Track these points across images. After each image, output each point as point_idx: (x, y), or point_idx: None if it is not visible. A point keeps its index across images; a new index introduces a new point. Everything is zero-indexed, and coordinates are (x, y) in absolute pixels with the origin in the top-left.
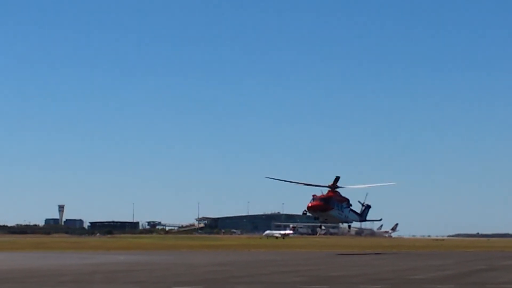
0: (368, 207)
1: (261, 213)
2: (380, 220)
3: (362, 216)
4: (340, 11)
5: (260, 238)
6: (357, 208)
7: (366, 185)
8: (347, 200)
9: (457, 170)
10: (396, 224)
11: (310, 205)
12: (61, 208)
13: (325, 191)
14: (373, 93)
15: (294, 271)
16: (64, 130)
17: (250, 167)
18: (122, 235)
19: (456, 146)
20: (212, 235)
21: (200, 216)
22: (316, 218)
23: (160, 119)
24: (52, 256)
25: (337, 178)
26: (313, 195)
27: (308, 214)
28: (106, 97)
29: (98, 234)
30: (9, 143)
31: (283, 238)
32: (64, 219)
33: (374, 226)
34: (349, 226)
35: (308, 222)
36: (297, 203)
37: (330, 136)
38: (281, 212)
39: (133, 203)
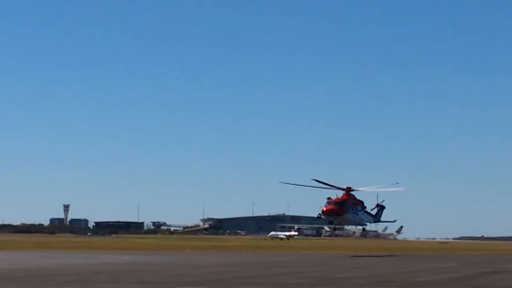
0: (382, 207)
1: (266, 214)
2: (395, 221)
3: (376, 217)
4: (341, 11)
5: (265, 239)
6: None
7: (380, 189)
8: (362, 203)
9: (462, 173)
10: (401, 227)
11: (325, 209)
12: (66, 207)
13: (339, 194)
14: (377, 97)
15: (298, 272)
16: (69, 130)
17: (256, 168)
18: (127, 235)
19: (461, 149)
20: (217, 236)
21: (205, 217)
22: (331, 222)
23: (165, 120)
24: (57, 256)
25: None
26: (328, 198)
27: (323, 217)
28: (112, 98)
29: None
30: (14, 142)
31: (288, 239)
32: (69, 219)
33: (379, 228)
34: (364, 229)
35: (313, 223)
36: (302, 204)
37: (337, 138)
38: (286, 214)
39: (138, 204)
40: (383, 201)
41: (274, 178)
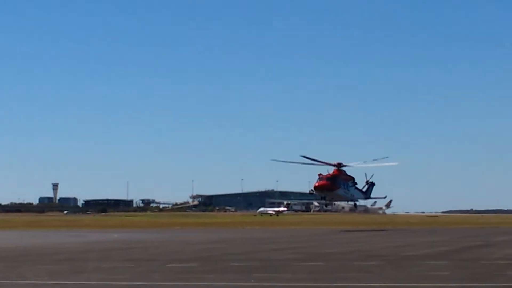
0: (372, 184)
1: (255, 190)
2: (385, 197)
3: (366, 194)
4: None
5: (254, 215)
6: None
7: (371, 164)
8: (353, 179)
9: (450, 146)
10: (390, 201)
11: (317, 184)
12: (55, 186)
13: (331, 170)
14: (366, 72)
15: (288, 248)
16: (57, 108)
17: (244, 144)
18: (116, 213)
19: (448, 122)
20: (206, 213)
21: (194, 194)
22: (323, 198)
23: (153, 96)
24: (47, 235)
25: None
26: (319, 174)
27: (314, 193)
28: (99, 75)
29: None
30: (2, 122)
31: (277, 215)
32: (58, 197)
33: (368, 203)
34: (355, 205)
35: (302, 199)
36: (291, 180)
37: (326, 115)
38: (275, 189)
39: (127, 181)
40: (372, 176)
41: (263, 154)
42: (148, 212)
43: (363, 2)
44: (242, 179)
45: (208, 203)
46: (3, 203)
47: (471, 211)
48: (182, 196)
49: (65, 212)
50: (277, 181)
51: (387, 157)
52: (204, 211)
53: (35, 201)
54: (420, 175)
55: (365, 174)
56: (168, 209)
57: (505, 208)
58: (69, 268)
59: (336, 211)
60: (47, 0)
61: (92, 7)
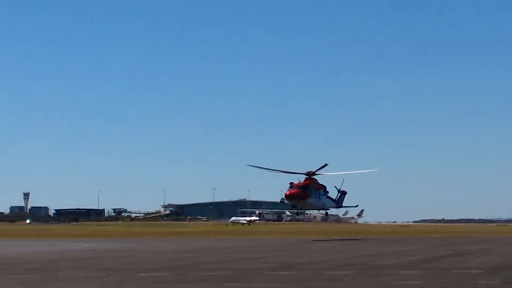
0: (344, 193)
1: (227, 199)
2: (357, 206)
3: (338, 202)
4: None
5: (226, 225)
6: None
7: (344, 172)
8: (324, 187)
9: (421, 156)
10: (362, 210)
11: (288, 193)
12: (26, 195)
13: (302, 178)
14: (337, 78)
15: (260, 257)
16: (28, 116)
17: (216, 154)
18: (88, 222)
19: (419, 131)
20: (178, 222)
21: (166, 203)
22: (294, 206)
23: (125, 104)
24: (17, 244)
25: (325, 165)
26: (290, 183)
27: (286, 201)
28: (71, 81)
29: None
30: None
31: (249, 224)
32: (29, 207)
33: (340, 212)
34: (326, 214)
35: (273, 208)
36: (262, 189)
37: (294, 123)
38: (247, 199)
39: (99, 190)
40: (342, 183)
41: (235, 163)
42: (120, 222)
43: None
44: (214, 189)
45: (180, 212)
46: None
47: (442, 221)
48: (154, 205)
49: (27, 221)
50: (249, 190)
51: (326, 164)
52: (176, 220)
53: (6, 211)
54: (391, 185)
55: (342, 181)
56: (140, 219)
57: (477, 218)
58: (40, 277)
59: (308, 220)
60: None
61: None
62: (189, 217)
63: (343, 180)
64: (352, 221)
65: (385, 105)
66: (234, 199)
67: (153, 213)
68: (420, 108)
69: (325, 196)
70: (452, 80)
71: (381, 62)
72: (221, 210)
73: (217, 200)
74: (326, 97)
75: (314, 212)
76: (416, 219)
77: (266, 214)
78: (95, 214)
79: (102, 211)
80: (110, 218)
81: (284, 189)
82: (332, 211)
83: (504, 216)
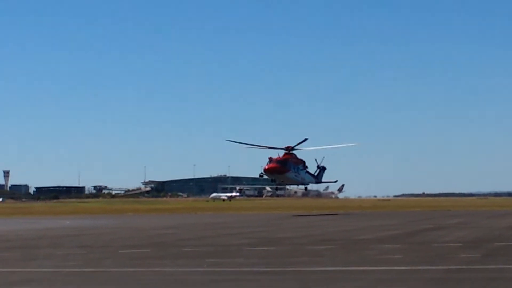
0: (323, 169)
1: (208, 176)
2: (336, 181)
3: (317, 178)
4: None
5: (207, 201)
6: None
7: (322, 147)
8: (303, 162)
9: (401, 130)
10: (342, 185)
11: (267, 167)
12: (6, 173)
13: (281, 153)
14: (318, 55)
15: (241, 233)
16: (6, 94)
17: (196, 129)
18: (68, 199)
19: (400, 104)
20: (158, 199)
21: (147, 180)
22: (273, 181)
23: (102, 83)
24: None
25: (305, 140)
26: (269, 158)
27: (265, 176)
28: (49, 62)
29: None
30: None
31: (230, 200)
32: (9, 185)
33: (321, 187)
34: (306, 188)
35: (254, 184)
36: (243, 165)
37: (271, 99)
38: (228, 175)
39: (79, 168)
40: (322, 159)
41: (215, 139)
42: (100, 199)
43: None
44: (194, 165)
45: (160, 189)
46: None
47: (423, 195)
48: (134, 182)
49: (0, 199)
50: (229, 166)
51: (306, 139)
52: (156, 197)
53: None
54: (372, 159)
55: (323, 157)
56: (121, 196)
57: (457, 191)
58: (21, 255)
59: (289, 195)
60: None
61: None
62: (169, 194)
63: (323, 157)
64: (333, 196)
65: (365, 78)
66: (215, 175)
67: (133, 190)
68: (399, 80)
69: (304, 171)
70: (428, 55)
71: (356, 30)
72: (202, 186)
73: (197, 176)
74: (306, 72)
75: (294, 187)
76: (397, 194)
77: (247, 190)
78: (75, 192)
79: (83, 188)
80: (90, 196)
81: (264, 165)
82: (313, 186)
83: (484, 189)
